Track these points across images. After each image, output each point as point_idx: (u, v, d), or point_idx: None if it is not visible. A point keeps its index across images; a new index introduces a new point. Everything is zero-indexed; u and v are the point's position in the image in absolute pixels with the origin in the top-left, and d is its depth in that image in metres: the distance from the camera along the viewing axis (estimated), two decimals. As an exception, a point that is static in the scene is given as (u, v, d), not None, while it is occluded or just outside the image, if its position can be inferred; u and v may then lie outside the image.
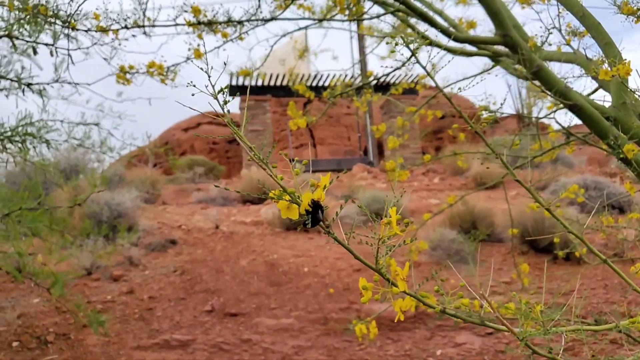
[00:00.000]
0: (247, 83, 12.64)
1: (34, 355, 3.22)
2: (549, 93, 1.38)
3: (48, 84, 2.57)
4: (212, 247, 5.28)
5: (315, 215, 0.67)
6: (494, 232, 5.39)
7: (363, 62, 13.34)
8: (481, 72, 2.99)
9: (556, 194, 7.44)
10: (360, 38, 13.59)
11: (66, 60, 2.46)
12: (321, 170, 12.61)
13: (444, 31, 1.60)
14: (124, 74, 2.53)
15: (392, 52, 2.91)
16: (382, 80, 13.43)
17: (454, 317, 0.75)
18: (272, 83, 13.17)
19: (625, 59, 1.46)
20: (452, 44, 1.97)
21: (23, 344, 3.33)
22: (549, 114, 2.61)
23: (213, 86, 0.70)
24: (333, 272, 4.55)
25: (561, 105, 2.60)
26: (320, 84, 13.38)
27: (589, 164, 11.70)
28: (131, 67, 2.55)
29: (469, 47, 2.22)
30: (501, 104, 1.28)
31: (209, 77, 0.70)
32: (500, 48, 1.96)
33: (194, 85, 0.70)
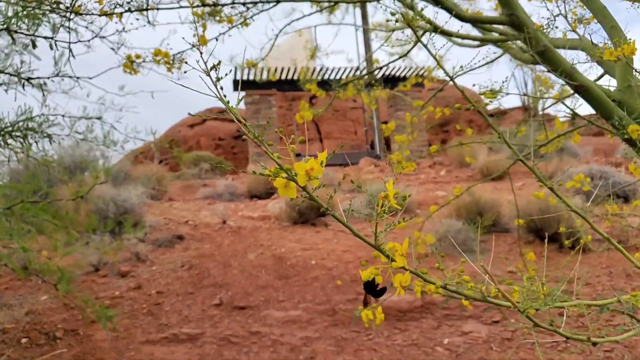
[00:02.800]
0: (252, 77, 12.64)
1: (43, 351, 3.26)
2: (555, 73, 1.37)
3: (48, 77, 2.58)
4: (219, 241, 5.30)
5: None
6: (500, 223, 5.38)
7: (369, 57, 13.29)
8: (487, 63, 2.98)
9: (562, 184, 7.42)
10: (366, 32, 13.54)
11: (66, 54, 2.47)
12: (328, 164, 12.59)
13: (449, 9, 1.58)
14: (130, 63, 2.54)
15: (392, 30, 2.89)
16: (388, 72, 13.39)
17: (455, 293, 0.76)
18: (277, 77, 13.17)
19: (630, 39, 1.45)
20: (456, 28, 1.96)
21: (32, 340, 3.37)
22: (556, 102, 2.59)
23: (217, 78, 0.68)
24: (340, 265, 4.56)
25: (568, 93, 2.59)
26: (326, 77, 13.35)
27: (594, 154, 11.63)
28: (138, 57, 2.56)
29: (475, 33, 2.21)
30: (503, 83, 1.27)
31: (212, 67, 0.68)
32: (507, 30, 1.94)
33: (200, 75, 0.69)
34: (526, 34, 1.39)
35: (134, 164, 9.43)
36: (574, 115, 1.40)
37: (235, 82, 12.38)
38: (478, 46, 2.44)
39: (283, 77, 13.24)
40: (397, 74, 13.66)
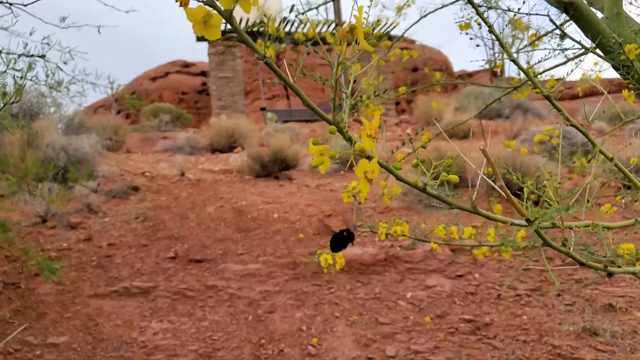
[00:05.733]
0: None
1: (-19, 304, 3.02)
2: None
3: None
4: (177, 194, 5.05)
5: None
6: (466, 179, 5.32)
7: (338, 9, 12.85)
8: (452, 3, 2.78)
9: (526, 143, 7.44)
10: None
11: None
12: (295, 120, 12.30)
13: None
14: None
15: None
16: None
17: (435, 197, 0.58)
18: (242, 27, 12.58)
19: None
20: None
21: (-31, 292, 3.12)
22: (531, 43, 2.43)
23: None
24: (304, 218, 4.42)
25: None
26: (293, 30, 12.85)
27: (558, 115, 11.78)
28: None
29: None
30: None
31: None
32: None
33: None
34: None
35: (91, 116, 8.90)
36: (563, 35, 1.24)
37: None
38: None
39: (249, 30, 12.65)
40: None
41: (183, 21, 0.48)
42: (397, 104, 19.53)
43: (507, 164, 5.13)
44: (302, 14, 3.02)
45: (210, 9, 0.41)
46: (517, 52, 2.21)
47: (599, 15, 1.52)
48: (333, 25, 11.78)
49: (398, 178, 0.57)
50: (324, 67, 19.95)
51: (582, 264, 0.70)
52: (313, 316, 3.02)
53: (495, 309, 3.01)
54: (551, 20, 1.17)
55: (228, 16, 0.43)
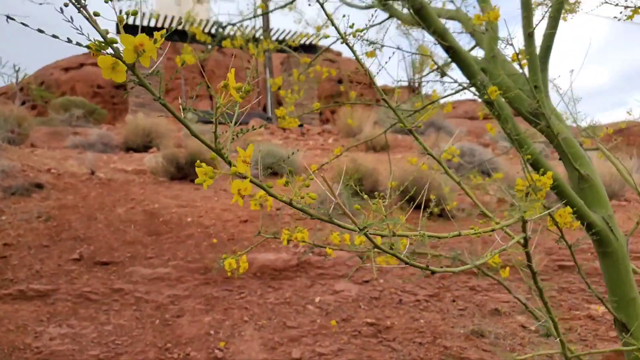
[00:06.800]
0: (137, 22, 11.61)
1: None
2: (429, 31, 1.36)
3: None
4: (85, 193, 4.83)
5: None
6: (378, 189, 5.59)
7: (266, 16, 12.90)
8: (374, 24, 2.95)
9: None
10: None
11: None
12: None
13: None
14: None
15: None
16: (282, 37, 13.15)
17: (300, 210, 0.68)
18: (166, 25, 12.25)
19: (495, 6, 1.49)
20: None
21: None
22: (431, 72, 2.65)
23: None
24: (219, 223, 4.41)
25: (442, 65, 2.65)
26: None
27: (468, 134, 12.68)
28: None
29: None
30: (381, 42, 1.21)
31: None
32: None
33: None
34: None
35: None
36: (443, 73, 1.41)
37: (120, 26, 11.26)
38: (366, 7, 2.39)
39: (173, 26, 12.35)
40: (292, 39, 13.48)
41: (105, 10, 0.53)
42: (321, 113, 19.88)
43: (415, 177, 5.44)
44: (233, 24, 3.04)
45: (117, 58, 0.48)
46: (421, 78, 2.41)
47: (482, 55, 1.74)
48: (260, 32, 11.82)
49: (269, 194, 0.65)
50: (249, 70, 19.83)
51: (406, 263, 0.83)
52: (222, 320, 3.04)
53: (396, 313, 3.21)
54: (434, 62, 1.33)
55: (131, 66, 0.51)
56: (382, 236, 0.81)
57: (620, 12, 1.64)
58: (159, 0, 12.92)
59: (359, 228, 0.70)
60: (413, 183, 5.28)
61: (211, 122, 0.65)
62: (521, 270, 1.57)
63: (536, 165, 1.42)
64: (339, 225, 0.70)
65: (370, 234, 0.74)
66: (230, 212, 4.73)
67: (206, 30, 12.44)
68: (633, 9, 1.60)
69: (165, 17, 11.96)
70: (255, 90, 18.45)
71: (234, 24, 2.74)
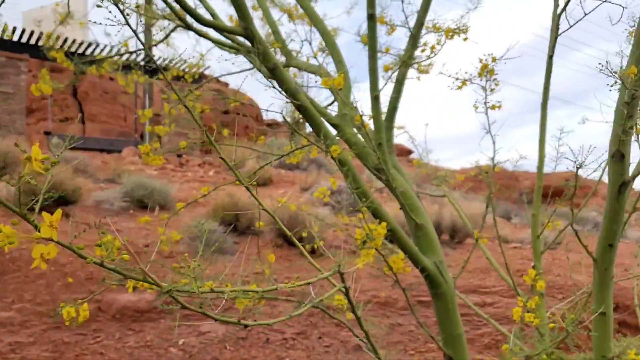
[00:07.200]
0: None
1: None
2: (281, 91, 1.46)
3: None
4: None
5: None
6: (255, 225, 5.61)
7: (147, 39, 12.51)
8: (241, 71, 3.04)
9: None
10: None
11: None
12: (89, 149, 11.29)
13: (190, 12, 1.55)
14: None
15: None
16: (160, 62, 12.83)
17: (111, 270, 0.69)
18: (33, 42, 11.27)
19: (343, 72, 1.65)
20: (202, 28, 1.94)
21: None
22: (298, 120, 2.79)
23: None
24: (76, 261, 4.07)
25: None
26: (97, 53, 12.02)
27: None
28: None
29: (224, 39, 2.24)
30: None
31: None
32: (245, 42, 2.00)
33: None
34: (257, 49, 1.45)
35: None
36: (294, 130, 1.52)
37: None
38: (235, 52, 2.46)
39: (42, 43, 11.43)
40: (171, 66, 13.22)
41: None
42: (203, 143, 19.48)
43: (291, 215, 5.56)
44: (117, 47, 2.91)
45: None
46: (297, 121, 2.52)
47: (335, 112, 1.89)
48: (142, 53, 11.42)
49: (75, 253, 0.66)
50: (127, 95, 18.93)
51: (215, 320, 0.89)
52: (71, 369, 2.79)
53: (262, 353, 3.20)
54: (283, 118, 1.43)
55: None
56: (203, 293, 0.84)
57: (453, 82, 1.90)
58: (25, 16, 11.88)
59: (163, 292, 0.73)
60: (289, 220, 5.39)
61: (82, 149, 0.64)
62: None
63: (376, 215, 1.56)
64: (138, 280, 0.72)
65: (182, 291, 0.77)
66: (91, 248, 4.40)
67: (80, 50, 11.69)
68: (462, 80, 1.86)
69: (32, 33, 11.04)
70: (132, 117, 17.61)
71: (110, 49, 2.63)
